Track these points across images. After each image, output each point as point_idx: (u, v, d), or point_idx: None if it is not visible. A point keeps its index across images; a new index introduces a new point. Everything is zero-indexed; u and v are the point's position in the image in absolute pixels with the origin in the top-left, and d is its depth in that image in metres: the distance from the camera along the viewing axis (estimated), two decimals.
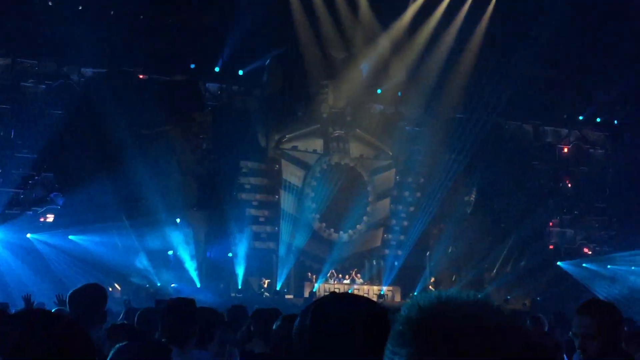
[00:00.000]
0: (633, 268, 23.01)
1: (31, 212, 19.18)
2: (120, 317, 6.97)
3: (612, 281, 22.82)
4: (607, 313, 3.43)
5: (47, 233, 18.78)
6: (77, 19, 19.38)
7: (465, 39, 22.54)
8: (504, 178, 22.92)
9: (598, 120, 26.09)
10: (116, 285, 19.32)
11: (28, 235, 18.54)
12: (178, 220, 20.09)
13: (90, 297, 3.54)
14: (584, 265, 23.71)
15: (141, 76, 21.03)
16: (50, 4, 19.98)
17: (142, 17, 20.56)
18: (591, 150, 26.99)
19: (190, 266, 20.37)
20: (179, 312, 3.57)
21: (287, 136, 22.85)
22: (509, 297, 23.05)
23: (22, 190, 19.41)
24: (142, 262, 19.83)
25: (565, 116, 25.69)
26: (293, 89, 22.54)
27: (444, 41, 22.40)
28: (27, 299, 7.28)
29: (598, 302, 3.89)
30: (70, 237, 18.89)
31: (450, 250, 23.26)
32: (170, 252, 20.05)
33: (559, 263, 23.93)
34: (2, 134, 19.86)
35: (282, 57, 22.01)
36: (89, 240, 19.03)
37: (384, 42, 22.34)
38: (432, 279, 22.84)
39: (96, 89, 19.76)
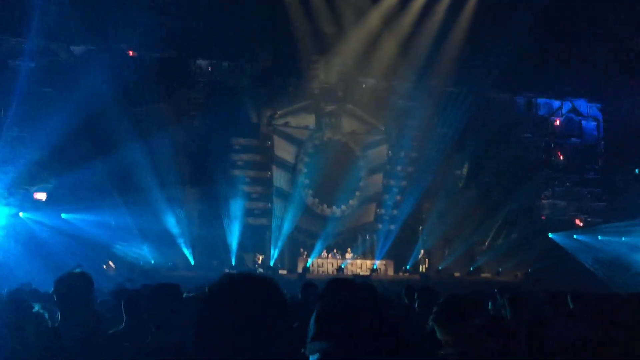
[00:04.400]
0: (624, 239, 23.23)
1: (23, 191, 19.17)
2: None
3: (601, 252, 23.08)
4: None
5: (40, 212, 18.81)
6: None
7: (456, 11, 22.37)
8: (496, 151, 22.98)
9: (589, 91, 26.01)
10: (110, 263, 19.44)
11: (20, 214, 18.58)
12: None
13: (77, 288, 3.60)
14: (575, 237, 23.92)
15: (131, 53, 20.85)
16: None
17: None
18: (583, 121, 27.00)
19: (184, 243, 20.49)
20: (164, 298, 3.61)
21: (278, 112, 22.83)
22: (500, 269, 23.32)
23: (13, 168, 19.37)
24: (136, 239, 19.93)
25: (556, 88, 25.60)
26: (284, 64, 22.42)
27: (434, 14, 22.25)
28: None
29: None
30: (63, 215, 18.95)
31: (442, 224, 23.40)
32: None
33: (550, 235, 24.14)
34: None
35: (272, 32, 21.83)
36: (82, 219, 19.08)
37: (374, 16, 22.16)
38: (422, 252, 23.17)
39: (85, 67, 19.63)
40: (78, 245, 17.76)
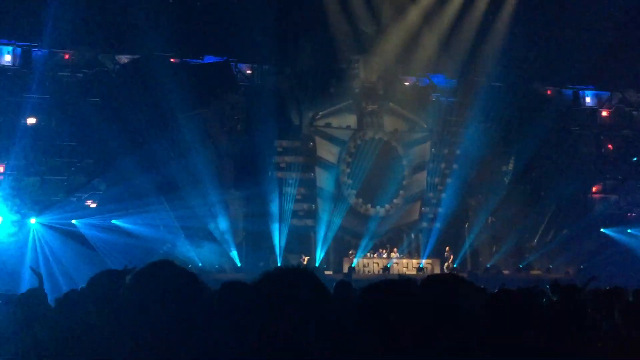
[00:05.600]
0: None
1: (75, 199, 19.75)
2: None
3: None
4: None
5: (91, 218, 19.34)
6: (108, 7, 19.69)
7: (499, 3, 21.95)
8: (543, 145, 22.41)
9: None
10: None
11: (73, 221, 19.14)
12: None
13: (104, 285, 3.58)
14: (629, 231, 23.16)
15: (173, 60, 21.23)
16: None
17: (171, 1, 20.71)
18: (634, 112, 26.11)
19: (231, 246, 20.73)
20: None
21: (320, 113, 22.84)
22: (551, 266, 22.77)
23: (65, 177, 19.97)
24: (183, 243, 20.29)
25: (605, 79, 24.79)
26: (324, 65, 22.43)
27: (476, 7, 21.88)
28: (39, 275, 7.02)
29: None
30: (113, 221, 19.44)
31: (489, 221, 22.98)
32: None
33: (602, 230, 23.43)
34: (43, 124, 20.41)
35: (312, 33, 21.87)
36: (131, 225, 19.54)
37: (414, 12, 21.95)
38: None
39: (131, 75, 20.11)
40: (128, 250, 18.20)
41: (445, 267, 22.23)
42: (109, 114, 19.70)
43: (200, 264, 20.05)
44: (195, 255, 20.19)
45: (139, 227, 19.54)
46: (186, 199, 19.84)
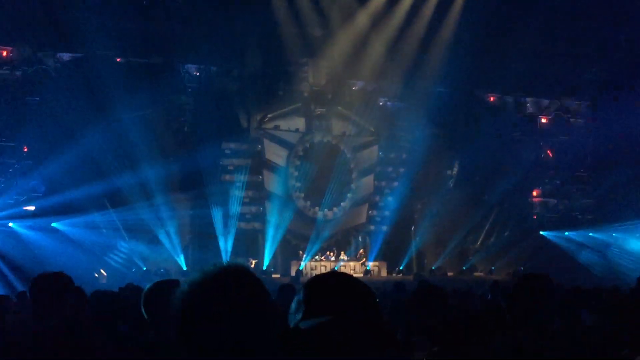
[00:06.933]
0: (614, 235, 23.38)
1: (12, 201, 18.99)
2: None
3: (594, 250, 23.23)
4: None
5: (31, 220, 18.63)
6: (51, 3, 19.07)
7: (444, 12, 22.41)
8: (486, 151, 23.02)
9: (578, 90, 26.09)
10: (102, 271, 19.31)
11: (10, 224, 18.41)
12: None
13: (51, 287, 3.30)
14: (566, 234, 24.04)
15: (118, 59, 20.72)
16: None
17: None
18: (572, 119, 27.12)
19: (176, 250, 20.38)
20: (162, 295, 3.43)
21: (268, 116, 22.79)
22: (493, 267, 23.38)
23: (1, 179, 19.20)
24: (127, 247, 19.81)
25: (545, 87, 25.66)
26: (272, 68, 22.39)
27: (422, 14, 22.27)
28: None
29: None
30: (53, 224, 18.79)
31: (434, 224, 23.42)
32: None
33: (541, 232, 24.23)
34: None
35: (260, 36, 21.79)
36: (72, 228, 18.93)
37: (362, 17, 22.18)
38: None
39: (73, 74, 19.51)
40: (69, 254, 17.63)
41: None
42: (49, 114, 19.06)
43: (144, 268, 19.63)
44: (140, 258, 19.75)
45: (80, 231, 18.95)
46: (131, 202, 19.38)
